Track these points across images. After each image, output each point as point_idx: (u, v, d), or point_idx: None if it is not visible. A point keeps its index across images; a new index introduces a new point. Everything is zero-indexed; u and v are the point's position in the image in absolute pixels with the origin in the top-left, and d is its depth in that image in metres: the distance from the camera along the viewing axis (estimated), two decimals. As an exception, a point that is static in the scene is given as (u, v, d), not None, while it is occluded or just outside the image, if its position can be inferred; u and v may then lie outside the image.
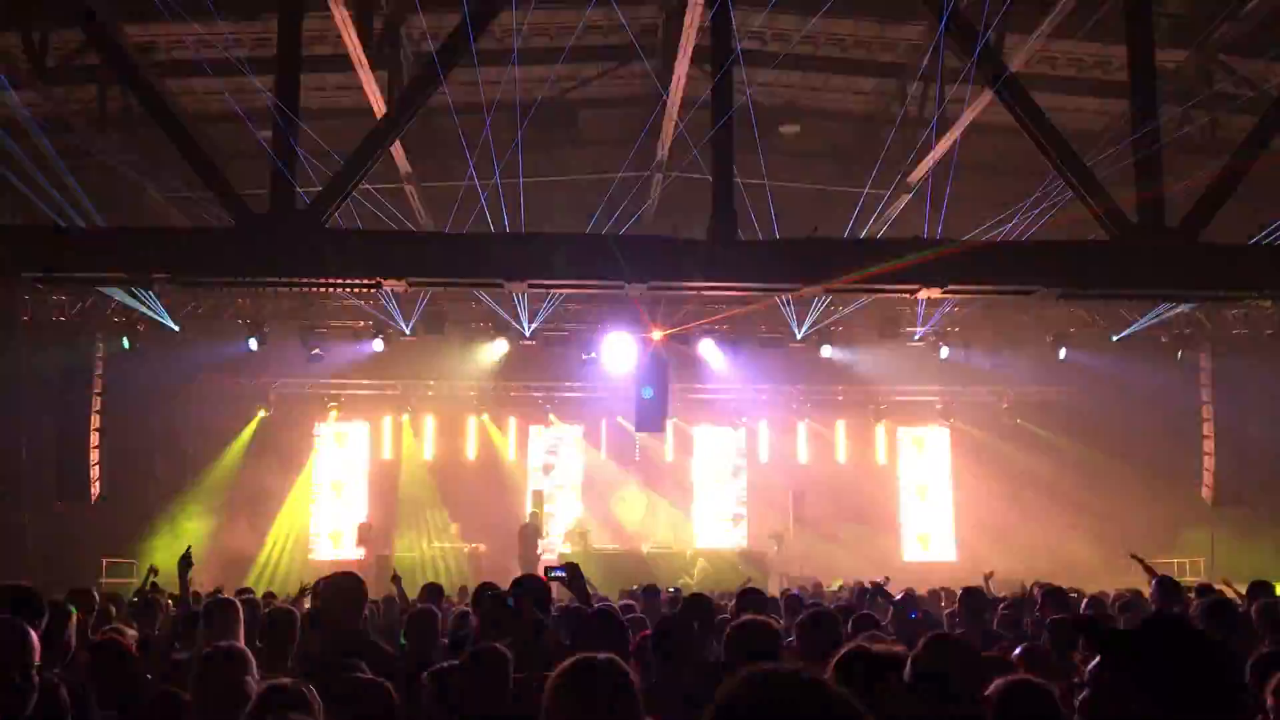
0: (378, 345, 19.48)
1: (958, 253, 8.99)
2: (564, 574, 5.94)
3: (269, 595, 11.98)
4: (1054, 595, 8.12)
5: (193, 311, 19.29)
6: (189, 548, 7.63)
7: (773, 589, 16.08)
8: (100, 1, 9.29)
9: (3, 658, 3.31)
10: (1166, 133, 9.85)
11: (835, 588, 15.86)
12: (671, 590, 13.23)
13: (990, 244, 10.28)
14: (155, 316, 18.39)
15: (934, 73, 14.10)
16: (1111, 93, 14.52)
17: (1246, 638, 5.95)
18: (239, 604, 5.98)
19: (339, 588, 5.38)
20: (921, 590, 12.39)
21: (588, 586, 6.50)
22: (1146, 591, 8.61)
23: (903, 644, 4.32)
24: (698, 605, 6.62)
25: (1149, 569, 8.37)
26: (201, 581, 14.07)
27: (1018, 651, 5.10)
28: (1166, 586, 7.95)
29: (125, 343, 18.84)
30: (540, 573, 7.22)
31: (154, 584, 8.77)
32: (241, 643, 5.05)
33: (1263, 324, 19.77)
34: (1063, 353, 20.38)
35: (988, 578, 13.44)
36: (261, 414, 22.28)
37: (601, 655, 3.04)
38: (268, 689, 3.43)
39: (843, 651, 3.27)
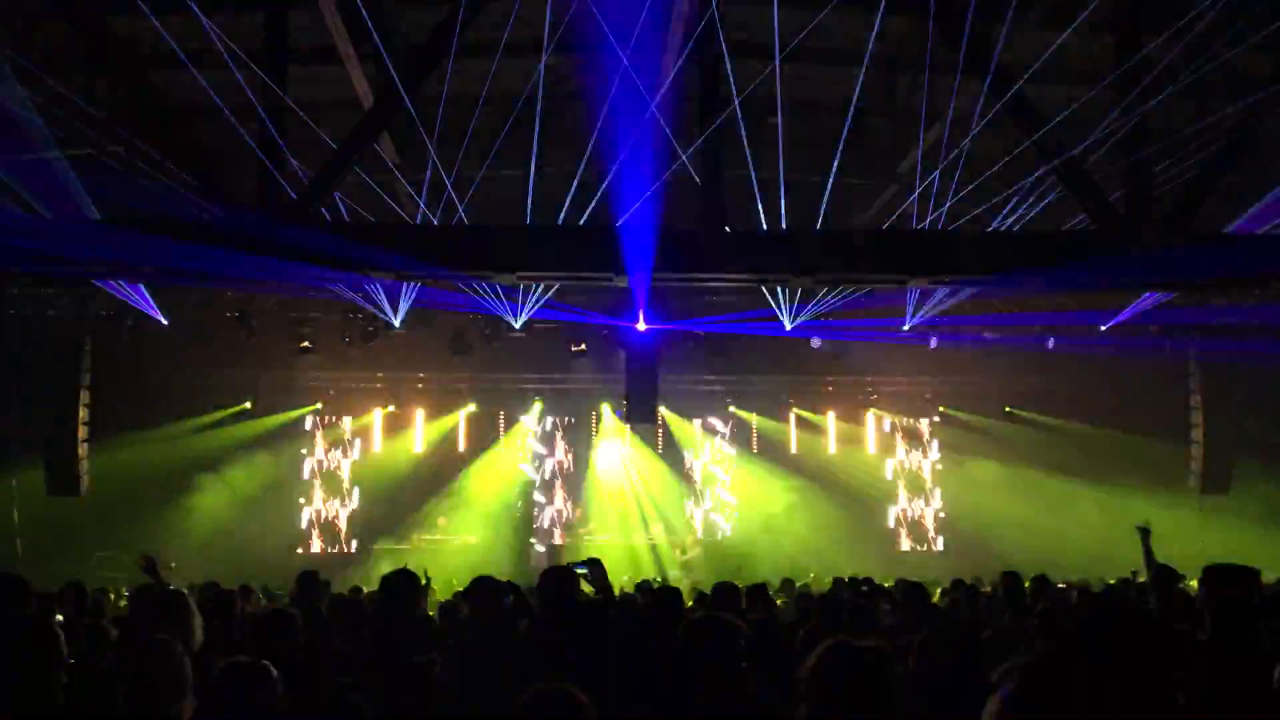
0: (367, 338, 19.48)
1: (946, 243, 9.03)
2: (586, 570, 5.97)
3: (245, 588, 11.92)
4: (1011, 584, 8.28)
5: (181, 304, 19.23)
6: (143, 555, 7.56)
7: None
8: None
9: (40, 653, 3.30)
10: (1153, 122, 9.88)
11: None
12: (658, 582, 13.33)
13: (978, 235, 10.32)
14: (143, 309, 18.32)
15: (922, 63, 14.10)
16: (1098, 83, 14.54)
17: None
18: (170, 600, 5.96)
19: (398, 583, 5.74)
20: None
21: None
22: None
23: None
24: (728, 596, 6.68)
25: (1147, 550, 8.36)
26: (191, 577, 14.05)
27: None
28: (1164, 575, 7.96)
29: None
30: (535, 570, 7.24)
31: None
32: (195, 636, 5.08)
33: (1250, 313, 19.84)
34: (1050, 343, 20.43)
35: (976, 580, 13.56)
36: (247, 404, 22.27)
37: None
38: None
39: (826, 645, 3.22)
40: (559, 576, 5.98)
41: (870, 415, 23.95)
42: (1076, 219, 9.48)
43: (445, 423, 23.30)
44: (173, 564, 10.22)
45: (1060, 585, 12.10)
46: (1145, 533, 8.30)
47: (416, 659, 4.78)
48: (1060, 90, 15.24)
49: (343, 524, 21.79)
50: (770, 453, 23.73)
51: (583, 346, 20.10)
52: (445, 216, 12.70)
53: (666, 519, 22.60)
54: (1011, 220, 12.60)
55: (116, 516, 19.16)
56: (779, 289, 16.99)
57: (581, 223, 11.24)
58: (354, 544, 21.53)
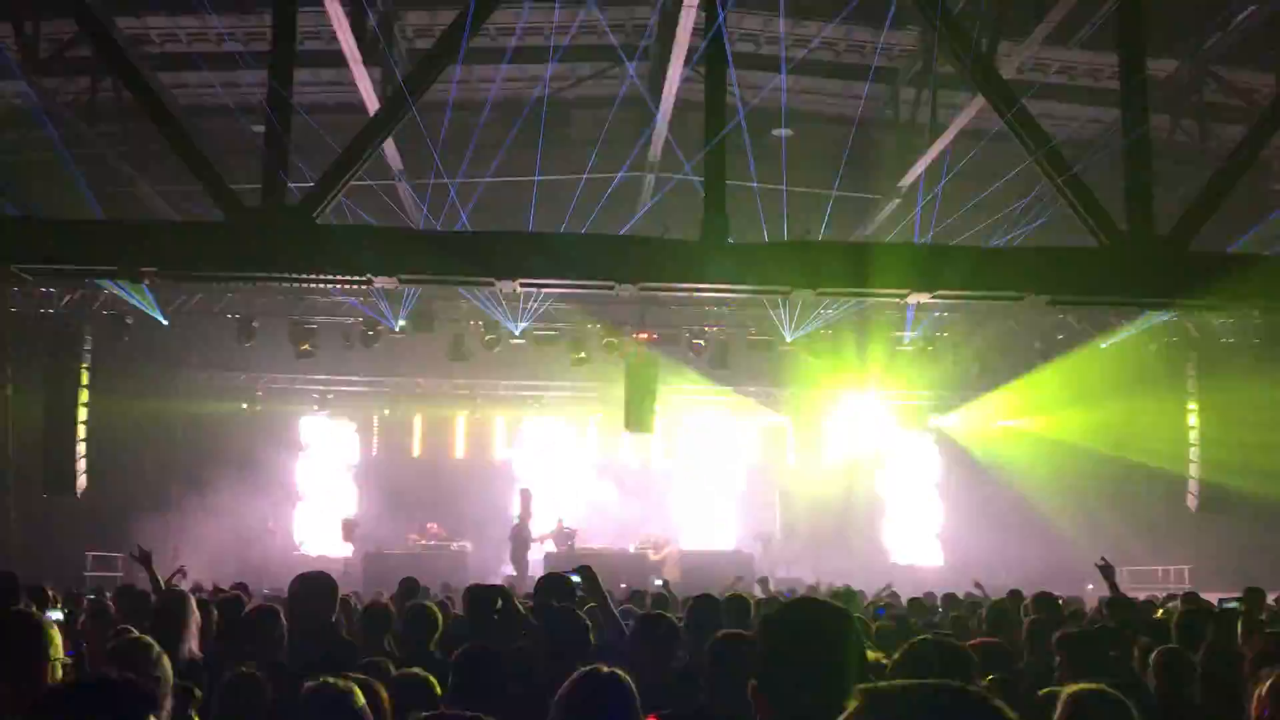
0: (367, 342, 19.49)
1: (947, 258, 9.03)
2: (579, 578, 6.07)
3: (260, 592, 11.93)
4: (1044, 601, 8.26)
5: (182, 305, 19.25)
6: (137, 545, 7.51)
7: (759, 591, 16.10)
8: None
9: (21, 653, 3.22)
10: (1157, 141, 9.90)
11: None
12: (658, 583, 13.33)
13: (980, 250, 10.31)
14: (144, 310, 18.33)
15: (926, 78, 14.15)
16: (1103, 101, 14.59)
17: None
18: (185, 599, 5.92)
19: (310, 585, 5.46)
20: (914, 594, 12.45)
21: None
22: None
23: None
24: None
25: (1111, 582, 8.41)
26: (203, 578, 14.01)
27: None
28: (1117, 606, 8.10)
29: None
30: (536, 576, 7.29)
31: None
32: (193, 637, 5.05)
33: (1249, 332, 19.86)
34: (1050, 358, 20.46)
35: (977, 585, 13.54)
36: (244, 405, 22.30)
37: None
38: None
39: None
40: (554, 583, 6.04)
41: (869, 426, 23.91)
42: (1080, 235, 9.49)
43: (443, 428, 23.28)
44: (183, 567, 10.12)
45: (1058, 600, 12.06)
46: (1105, 570, 8.39)
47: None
48: (1064, 107, 15.35)
49: (340, 528, 21.74)
50: (768, 463, 23.71)
51: (583, 354, 20.10)
52: (448, 222, 12.71)
53: (657, 526, 22.45)
54: (1014, 235, 12.62)
55: (112, 516, 19.11)
56: (780, 300, 17.02)
57: (584, 230, 11.26)
58: (350, 548, 21.44)
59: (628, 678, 3.20)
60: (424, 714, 3.38)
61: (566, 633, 5.06)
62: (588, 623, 5.30)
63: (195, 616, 5.29)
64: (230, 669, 4.37)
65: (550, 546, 20.49)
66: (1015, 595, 10.48)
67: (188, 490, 20.39)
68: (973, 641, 5.25)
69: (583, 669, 3.24)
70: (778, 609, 2.59)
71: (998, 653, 5.10)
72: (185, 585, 9.56)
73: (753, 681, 2.39)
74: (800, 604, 2.77)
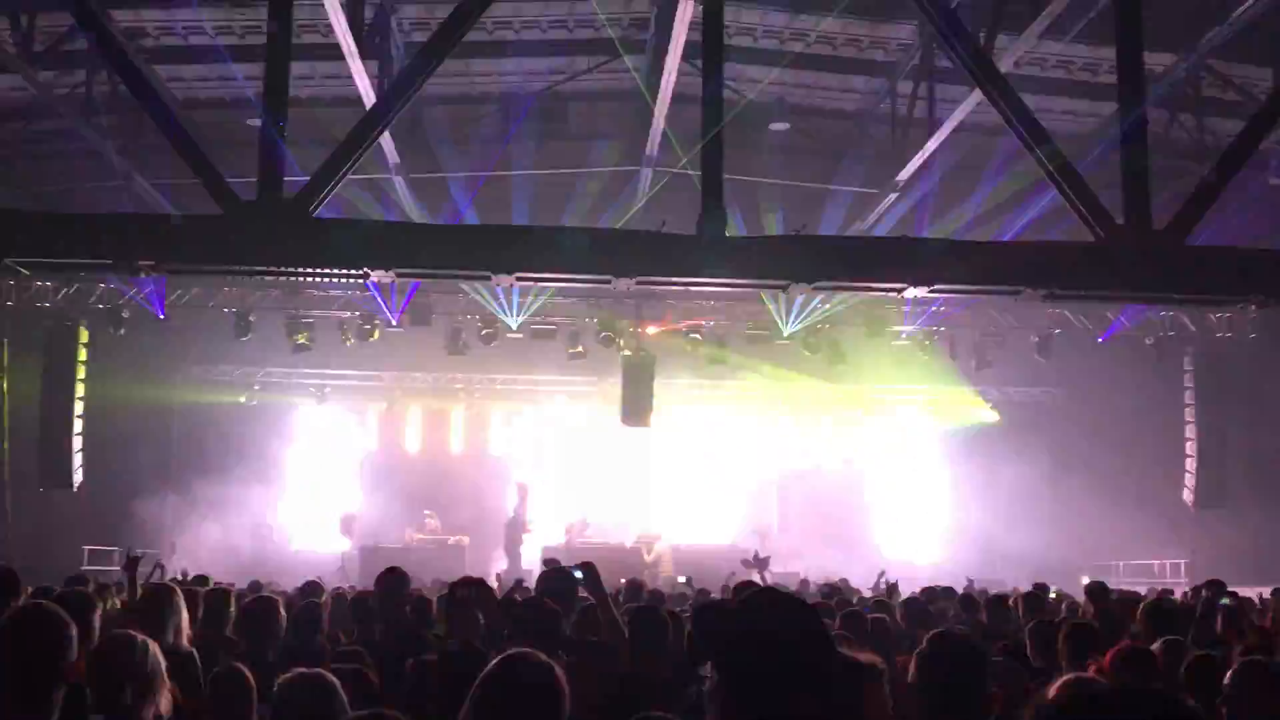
0: (364, 335, 19.48)
1: (944, 252, 9.02)
2: (580, 574, 6.10)
3: (255, 584, 11.93)
4: (1031, 598, 8.25)
5: (179, 299, 19.22)
6: (129, 549, 7.56)
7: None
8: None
9: (40, 651, 3.16)
10: (1154, 135, 9.88)
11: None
12: (683, 580, 13.35)
13: (977, 244, 10.32)
14: (140, 303, 18.31)
15: (924, 72, 14.14)
16: (1100, 95, 14.58)
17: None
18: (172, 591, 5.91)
19: (391, 580, 6.00)
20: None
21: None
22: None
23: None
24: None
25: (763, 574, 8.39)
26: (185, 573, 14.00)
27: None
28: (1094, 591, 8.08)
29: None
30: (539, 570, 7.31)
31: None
32: (178, 631, 5.05)
33: (1246, 327, 19.89)
34: (1047, 353, 20.46)
35: (971, 582, 13.56)
36: (242, 399, 22.30)
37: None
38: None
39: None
40: (557, 579, 6.04)
41: (869, 421, 23.92)
42: (1076, 229, 9.48)
43: (440, 422, 23.26)
44: (160, 563, 10.15)
45: (1051, 596, 12.09)
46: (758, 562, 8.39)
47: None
48: (1062, 101, 15.34)
49: (336, 522, 21.74)
50: (766, 456, 23.70)
51: (580, 348, 20.10)
52: (445, 216, 12.71)
53: (654, 520, 22.47)
54: (1011, 229, 12.62)
55: (109, 510, 19.10)
56: (777, 294, 17.01)
57: (581, 224, 11.25)
58: (349, 542, 21.43)
59: (545, 658, 2.87)
60: (362, 712, 3.31)
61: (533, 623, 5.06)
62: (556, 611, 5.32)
63: (182, 611, 5.27)
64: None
65: (551, 541, 20.49)
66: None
67: (184, 484, 20.38)
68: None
69: (503, 654, 2.95)
70: (737, 604, 2.50)
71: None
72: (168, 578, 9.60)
73: (713, 677, 2.33)
74: (758, 599, 2.50)
